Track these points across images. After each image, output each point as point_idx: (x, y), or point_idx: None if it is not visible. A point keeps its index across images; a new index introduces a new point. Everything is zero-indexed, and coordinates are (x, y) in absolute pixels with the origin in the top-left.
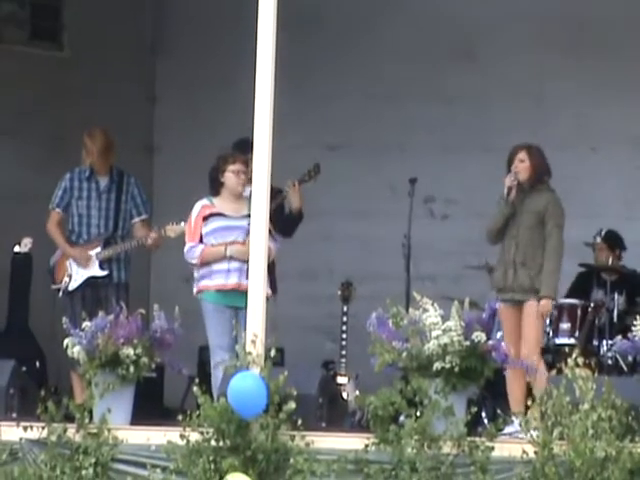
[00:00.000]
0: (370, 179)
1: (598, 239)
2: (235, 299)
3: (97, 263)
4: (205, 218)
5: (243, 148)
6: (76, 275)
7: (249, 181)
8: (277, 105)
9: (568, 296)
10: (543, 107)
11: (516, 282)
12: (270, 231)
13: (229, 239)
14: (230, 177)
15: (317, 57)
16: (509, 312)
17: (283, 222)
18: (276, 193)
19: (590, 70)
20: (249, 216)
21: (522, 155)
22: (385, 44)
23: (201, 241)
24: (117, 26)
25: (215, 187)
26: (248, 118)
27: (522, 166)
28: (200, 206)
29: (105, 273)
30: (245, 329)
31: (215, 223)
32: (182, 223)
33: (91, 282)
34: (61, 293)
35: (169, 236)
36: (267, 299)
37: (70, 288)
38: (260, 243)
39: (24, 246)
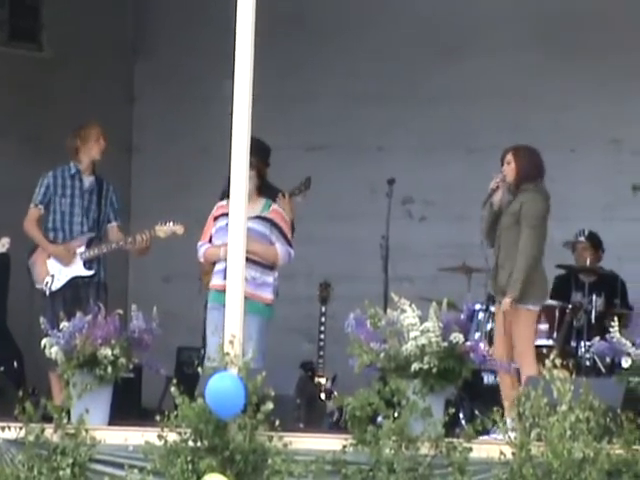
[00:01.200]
0: (349, 180)
1: (582, 238)
2: None
3: (81, 262)
4: (216, 218)
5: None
6: (59, 275)
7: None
8: (257, 106)
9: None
10: (522, 108)
11: (497, 284)
12: (287, 237)
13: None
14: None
15: (297, 58)
16: (498, 314)
17: None
18: (275, 193)
19: (569, 71)
20: (257, 218)
21: (509, 157)
22: (365, 44)
23: (210, 240)
24: (97, 26)
25: (228, 189)
26: (227, 119)
27: (508, 168)
28: (216, 206)
29: (91, 273)
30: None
31: (220, 223)
32: (170, 223)
33: (73, 282)
34: (47, 292)
35: (159, 236)
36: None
37: (54, 288)
38: (238, 244)
39: (2, 246)
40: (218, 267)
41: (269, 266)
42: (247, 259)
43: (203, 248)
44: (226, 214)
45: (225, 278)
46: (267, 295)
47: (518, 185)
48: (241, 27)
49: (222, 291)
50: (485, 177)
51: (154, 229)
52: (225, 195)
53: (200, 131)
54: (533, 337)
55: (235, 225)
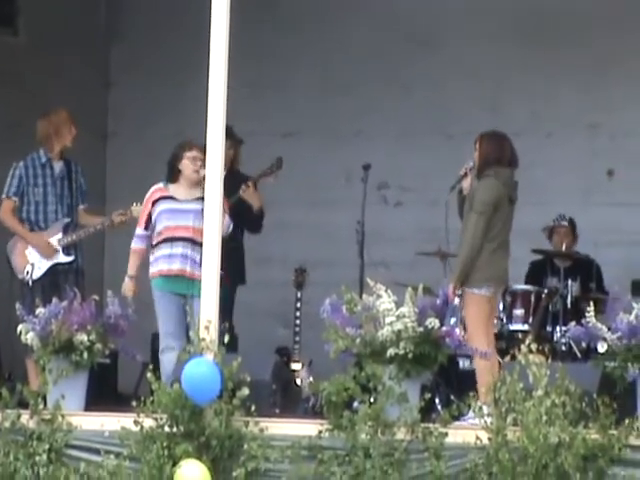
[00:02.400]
0: (325, 166)
1: (564, 222)
2: (180, 286)
3: (60, 249)
4: (155, 202)
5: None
6: (39, 263)
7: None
8: (232, 92)
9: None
10: (499, 94)
11: None
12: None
13: (179, 222)
14: (186, 164)
15: (272, 44)
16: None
17: (248, 219)
18: (244, 180)
19: (546, 57)
20: (200, 199)
21: (477, 144)
22: (341, 30)
23: (148, 225)
24: (72, 11)
25: (172, 174)
26: (203, 105)
27: (475, 154)
28: (153, 189)
29: (71, 259)
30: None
31: (163, 205)
32: None
33: (52, 269)
34: (30, 282)
35: (135, 217)
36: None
37: (35, 277)
38: (214, 230)
39: None
40: (162, 252)
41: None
42: (196, 241)
43: (134, 244)
44: (166, 197)
45: (172, 263)
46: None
47: (480, 171)
48: (216, 13)
49: (170, 277)
50: (461, 163)
51: (130, 210)
52: (169, 179)
53: (175, 117)
54: (481, 320)
55: (210, 212)
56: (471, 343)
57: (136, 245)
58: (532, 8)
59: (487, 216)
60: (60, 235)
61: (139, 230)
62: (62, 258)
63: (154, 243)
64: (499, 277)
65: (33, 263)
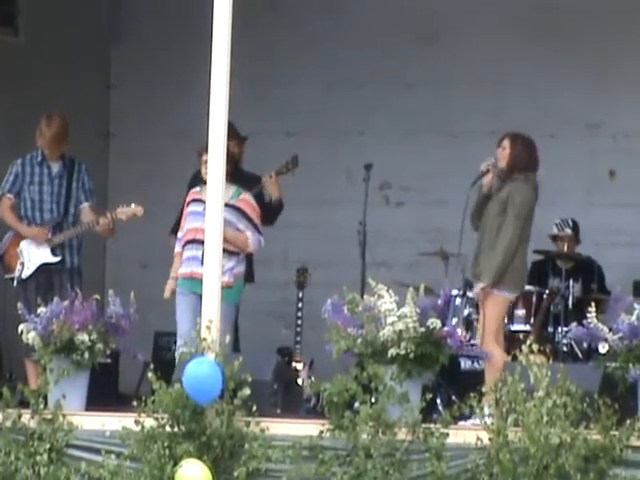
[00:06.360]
0: (327, 165)
1: (568, 230)
2: (196, 285)
3: (49, 249)
4: (188, 204)
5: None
6: (28, 263)
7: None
8: (234, 92)
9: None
10: (502, 94)
11: (477, 269)
12: (256, 226)
13: (196, 224)
14: (202, 167)
15: (275, 43)
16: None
17: (264, 210)
18: (255, 181)
19: (549, 57)
20: (225, 205)
21: (505, 142)
22: (344, 28)
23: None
24: (73, 12)
25: (200, 176)
26: (205, 105)
27: (503, 154)
28: (190, 193)
29: (58, 259)
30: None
31: (191, 208)
32: (132, 205)
33: (44, 269)
34: (15, 282)
35: (120, 219)
36: (229, 287)
37: (24, 276)
38: (215, 230)
39: None
40: (187, 255)
41: (233, 252)
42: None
43: (178, 247)
44: (197, 200)
45: (192, 265)
46: (224, 278)
47: (509, 173)
48: (218, 12)
49: (188, 279)
50: (463, 162)
51: (115, 212)
52: (194, 181)
53: (177, 117)
54: (499, 324)
55: (212, 212)
56: (485, 344)
57: (179, 249)
58: (536, 8)
59: (523, 220)
60: (49, 235)
61: (179, 234)
62: (50, 258)
63: (182, 244)
64: (525, 281)
65: (23, 262)
